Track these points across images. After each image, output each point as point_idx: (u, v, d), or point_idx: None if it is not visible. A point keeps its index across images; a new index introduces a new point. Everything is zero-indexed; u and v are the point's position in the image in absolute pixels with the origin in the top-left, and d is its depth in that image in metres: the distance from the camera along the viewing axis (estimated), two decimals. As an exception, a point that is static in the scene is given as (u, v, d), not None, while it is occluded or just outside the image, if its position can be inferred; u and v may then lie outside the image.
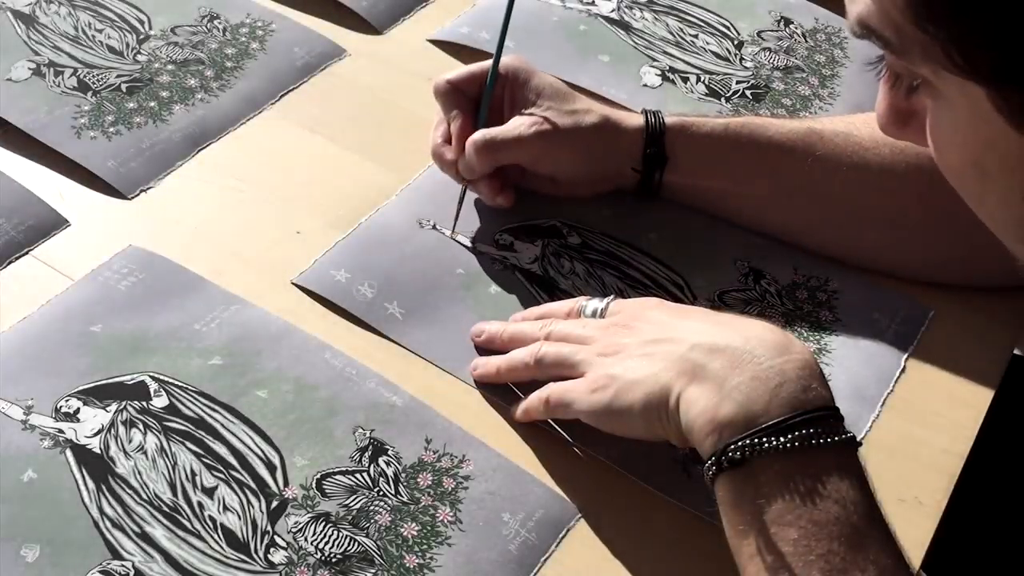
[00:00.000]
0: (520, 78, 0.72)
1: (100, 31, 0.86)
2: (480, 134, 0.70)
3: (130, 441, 0.60)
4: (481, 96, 0.72)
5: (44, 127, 0.77)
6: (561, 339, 0.62)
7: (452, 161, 0.72)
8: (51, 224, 0.72)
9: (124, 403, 0.61)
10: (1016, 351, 0.71)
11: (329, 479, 0.59)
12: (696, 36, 0.91)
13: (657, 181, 0.73)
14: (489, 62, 0.72)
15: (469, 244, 0.72)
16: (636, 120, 0.72)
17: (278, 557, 0.56)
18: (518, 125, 0.70)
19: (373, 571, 0.56)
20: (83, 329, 0.65)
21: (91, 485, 0.58)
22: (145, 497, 0.57)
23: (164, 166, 0.77)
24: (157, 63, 0.84)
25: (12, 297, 0.67)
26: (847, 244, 0.73)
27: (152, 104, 0.80)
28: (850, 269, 0.73)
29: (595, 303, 0.64)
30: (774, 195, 0.73)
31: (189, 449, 0.60)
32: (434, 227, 0.73)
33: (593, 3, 0.93)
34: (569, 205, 0.75)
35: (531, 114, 0.71)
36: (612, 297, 0.64)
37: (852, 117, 0.73)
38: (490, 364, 0.64)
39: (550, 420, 0.63)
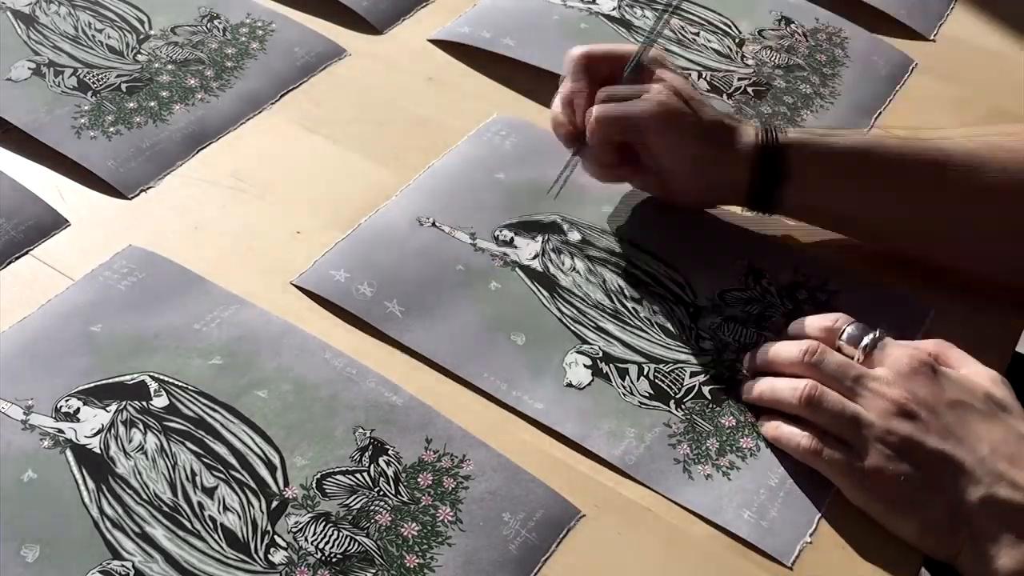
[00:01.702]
0: (652, 67, 0.71)
1: (100, 31, 0.86)
2: (599, 108, 0.69)
3: (130, 441, 0.60)
4: (608, 78, 0.71)
5: (44, 127, 0.77)
6: (830, 375, 0.61)
7: (567, 125, 0.71)
8: (51, 224, 0.72)
9: (124, 403, 0.61)
10: (1018, 349, 0.71)
11: (329, 479, 0.59)
12: (697, 34, 0.91)
13: (771, 196, 0.70)
14: (631, 47, 0.72)
15: (469, 240, 0.72)
16: (752, 132, 0.70)
17: (278, 557, 0.56)
18: (638, 103, 0.69)
19: (373, 571, 0.56)
20: (83, 329, 0.65)
21: (91, 485, 0.58)
22: (145, 497, 0.57)
23: (164, 166, 0.77)
24: (157, 63, 0.84)
25: (12, 297, 0.67)
26: (973, 268, 0.71)
27: (152, 104, 0.80)
28: (850, 269, 0.73)
29: (859, 336, 0.62)
30: (896, 221, 0.71)
31: (189, 449, 0.60)
32: (433, 224, 0.73)
33: (594, 1, 0.93)
34: (570, 202, 0.75)
35: (654, 99, 0.69)
36: (879, 335, 0.62)
37: (980, 147, 0.70)
38: (754, 388, 0.64)
39: (549, 422, 0.63)
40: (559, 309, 0.69)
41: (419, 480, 0.59)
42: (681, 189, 0.73)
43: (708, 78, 0.87)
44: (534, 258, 0.72)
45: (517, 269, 0.71)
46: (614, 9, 0.93)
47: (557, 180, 0.72)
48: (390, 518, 0.58)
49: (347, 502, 0.58)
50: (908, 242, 0.72)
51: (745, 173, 0.70)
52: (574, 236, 0.74)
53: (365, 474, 0.59)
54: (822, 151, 0.69)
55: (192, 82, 0.83)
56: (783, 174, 0.69)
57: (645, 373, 0.66)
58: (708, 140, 0.70)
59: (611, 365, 0.66)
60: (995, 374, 0.61)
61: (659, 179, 0.72)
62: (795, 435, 0.61)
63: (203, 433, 0.60)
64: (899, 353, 0.61)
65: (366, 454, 0.60)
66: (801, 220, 0.73)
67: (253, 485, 0.58)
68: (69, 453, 0.59)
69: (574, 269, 0.71)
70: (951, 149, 0.70)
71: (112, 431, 0.60)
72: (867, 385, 0.60)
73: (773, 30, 0.93)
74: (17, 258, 0.70)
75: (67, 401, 0.61)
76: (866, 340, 0.62)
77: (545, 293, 0.70)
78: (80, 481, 0.58)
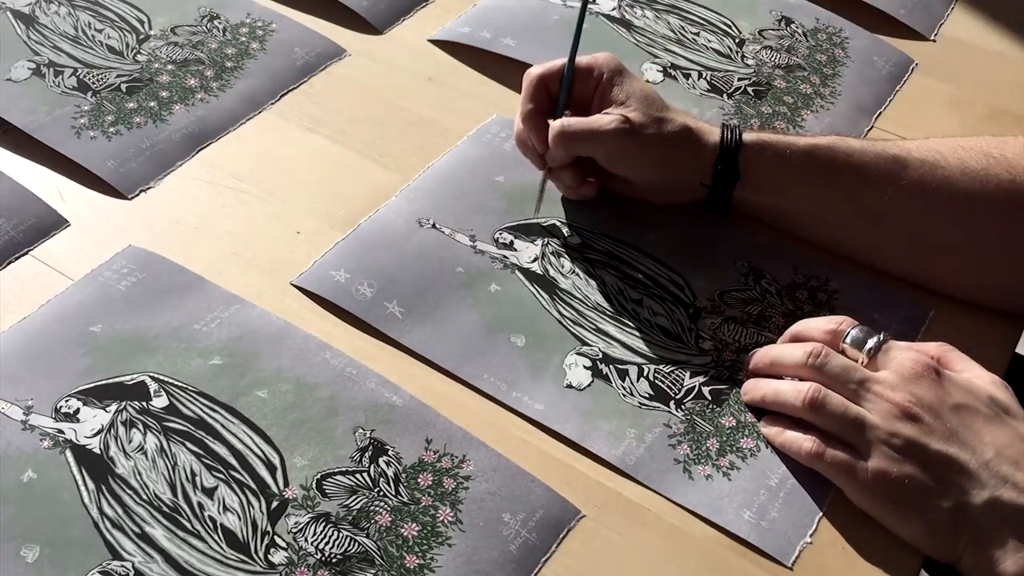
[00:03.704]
0: (612, 80, 0.72)
1: (100, 31, 0.86)
2: (559, 123, 0.70)
3: (130, 441, 0.60)
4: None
5: (44, 127, 0.77)
6: (834, 378, 0.61)
7: (532, 147, 0.73)
8: (51, 224, 0.72)
9: (124, 403, 0.61)
10: (1018, 350, 0.71)
11: (329, 479, 0.59)
12: (697, 34, 0.91)
13: (727, 197, 0.72)
14: (579, 58, 0.72)
15: (468, 243, 0.72)
16: (715, 135, 0.71)
17: (278, 557, 0.56)
18: (598, 119, 0.70)
19: (373, 571, 0.56)
20: (83, 329, 0.65)
21: (91, 485, 0.58)
22: (145, 497, 0.57)
23: (164, 166, 0.77)
24: (157, 63, 0.84)
25: (12, 297, 0.67)
26: (924, 271, 0.72)
27: (152, 104, 0.80)
28: (850, 269, 0.73)
29: (863, 339, 0.62)
30: (850, 220, 0.71)
31: (189, 449, 0.60)
32: (433, 226, 0.73)
33: (594, 1, 0.93)
34: (569, 205, 0.75)
35: (615, 114, 0.70)
36: (884, 338, 0.62)
37: (940, 145, 0.71)
38: (756, 390, 0.64)
39: (547, 424, 0.63)
40: (559, 311, 0.69)
41: (419, 480, 0.59)
42: (646, 193, 0.74)
43: (708, 78, 0.87)
44: (534, 261, 0.72)
45: (517, 272, 0.71)
46: (614, 9, 0.93)
47: (538, 203, 0.74)
48: (390, 518, 0.58)
49: (347, 502, 0.58)
50: (861, 246, 0.72)
51: (705, 176, 0.71)
52: (573, 239, 0.74)
53: (365, 474, 0.59)
54: (771, 150, 0.70)
55: (192, 82, 0.83)
56: (737, 174, 0.70)
57: (645, 374, 0.66)
58: (670, 152, 0.71)
59: (611, 366, 0.66)
60: (997, 378, 0.61)
61: (624, 184, 0.74)
62: (798, 439, 0.61)
63: (203, 433, 0.60)
64: (903, 356, 0.61)
65: (366, 454, 0.60)
66: (756, 217, 0.74)
67: (253, 485, 0.58)
68: (69, 453, 0.59)
69: (574, 271, 0.71)
70: (911, 147, 0.71)
71: (112, 431, 0.60)
72: (871, 388, 0.60)
73: (773, 30, 0.93)
74: (17, 258, 0.70)
75: (67, 401, 0.61)
76: (870, 343, 0.62)
77: (545, 295, 0.70)
78: (80, 481, 0.58)
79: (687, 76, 0.87)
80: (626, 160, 0.71)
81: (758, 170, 0.70)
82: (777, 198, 0.72)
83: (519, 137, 0.73)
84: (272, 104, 0.83)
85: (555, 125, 0.70)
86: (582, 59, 0.72)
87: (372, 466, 0.60)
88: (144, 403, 0.62)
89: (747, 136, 0.71)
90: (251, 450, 0.60)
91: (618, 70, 0.72)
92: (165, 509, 0.57)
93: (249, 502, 0.58)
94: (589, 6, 0.93)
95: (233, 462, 0.59)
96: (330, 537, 0.57)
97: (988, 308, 0.71)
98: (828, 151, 0.70)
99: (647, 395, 0.65)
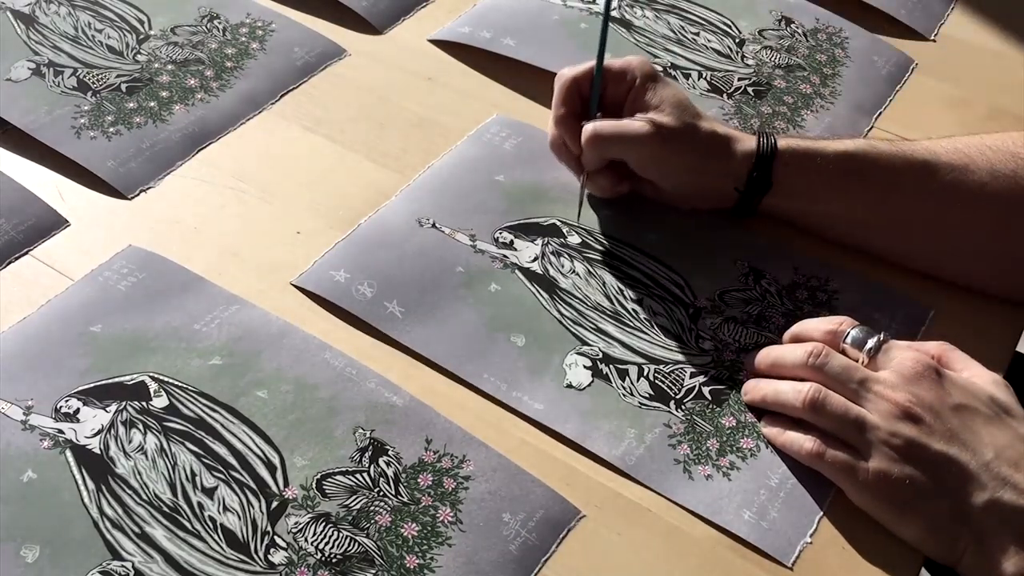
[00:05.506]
0: (645, 84, 0.72)
1: (100, 31, 0.86)
2: (592, 126, 0.70)
3: (130, 441, 0.60)
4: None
5: (44, 127, 0.77)
6: (834, 378, 0.61)
7: (568, 151, 0.72)
8: (51, 224, 0.72)
9: (124, 403, 0.61)
10: (1018, 349, 0.71)
11: (329, 479, 0.59)
12: (697, 34, 0.91)
13: (756, 204, 0.72)
14: (612, 60, 0.71)
15: (468, 242, 0.72)
16: (749, 142, 0.71)
17: (278, 557, 0.56)
18: (630, 123, 0.70)
19: (373, 571, 0.56)
20: (83, 329, 0.65)
21: (91, 485, 0.58)
22: (145, 497, 0.57)
23: (164, 166, 0.77)
24: (157, 63, 0.84)
25: (12, 297, 0.67)
26: (956, 271, 0.72)
27: (152, 104, 0.80)
28: (850, 269, 0.73)
29: (863, 339, 0.62)
30: (880, 225, 0.72)
31: (189, 449, 0.60)
32: (433, 225, 0.73)
33: (594, 2, 0.93)
34: (569, 205, 0.75)
35: (648, 118, 0.70)
36: (884, 338, 0.62)
37: (967, 148, 0.70)
38: (757, 391, 0.64)
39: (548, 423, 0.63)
40: (559, 311, 0.69)
41: (419, 480, 0.59)
42: (674, 198, 0.74)
43: (708, 78, 0.87)
44: (534, 260, 0.72)
45: (517, 271, 0.71)
46: (614, 9, 0.93)
47: (580, 207, 0.74)
48: (390, 518, 0.58)
49: (347, 503, 0.58)
50: (892, 248, 0.73)
51: (738, 181, 0.71)
52: (573, 239, 0.74)
53: (365, 474, 0.59)
54: (807, 158, 0.70)
55: (192, 82, 0.83)
56: (770, 183, 0.71)
57: (645, 374, 0.66)
58: (702, 156, 0.71)
59: (611, 366, 0.66)
60: (998, 377, 0.61)
61: (652, 188, 0.74)
62: (798, 439, 0.61)
63: (203, 433, 0.60)
64: (903, 356, 0.61)
65: (366, 454, 0.60)
66: (783, 219, 0.74)
67: (253, 485, 0.58)
68: (69, 453, 0.59)
69: (574, 271, 0.71)
70: (939, 151, 0.70)
71: (112, 431, 0.60)
72: (871, 388, 0.60)
73: (773, 30, 0.93)
74: (17, 258, 0.70)
75: (67, 401, 0.61)
76: (870, 343, 0.62)
77: (545, 295, 0.70)
78: (80, 481, 0.58)
79: (687, 76, 0.87)
80: (658, 165, 0.71)
81: (790, 178, 0.70)
82: (807, 204, 0.72)
83: (554, 142, 0.73)
84: (272, 104, 0.83)
85: (587, 128, 0.70)
86: (615, 62, 0.72)
87: (372, 466, 0.60)
88: (144, 403, 0.62)
89: (782, 143, 0.70)
90: (251, 450, 0.60)
91: (651, 75, 0.72)
92: (165, 509, 0.57)
93: (249, 502, 0.58)
94: (589, 6, 0.93)
95: (233, 462, 0.59)
96: (330, 537, 0.57)
97: None
98: (858, 157, 0.70)
99: (647, 395, 0.65)
